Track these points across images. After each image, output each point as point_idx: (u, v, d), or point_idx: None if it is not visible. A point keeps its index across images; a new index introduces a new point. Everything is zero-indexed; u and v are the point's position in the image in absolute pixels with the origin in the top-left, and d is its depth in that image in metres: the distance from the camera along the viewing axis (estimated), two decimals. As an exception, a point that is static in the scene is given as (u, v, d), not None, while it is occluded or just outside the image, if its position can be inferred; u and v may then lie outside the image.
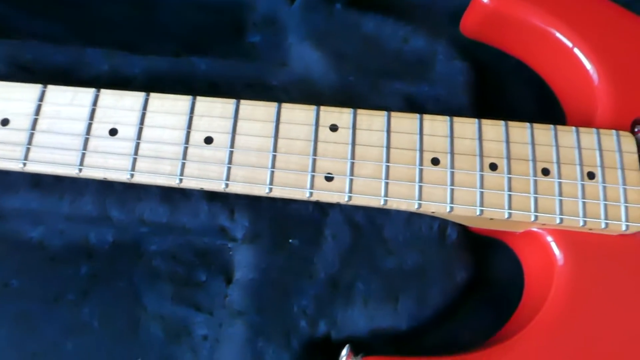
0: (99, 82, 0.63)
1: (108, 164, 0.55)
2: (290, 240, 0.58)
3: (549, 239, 0.57)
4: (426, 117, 0.57)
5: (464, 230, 0.60)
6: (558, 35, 0.63)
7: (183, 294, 0.61)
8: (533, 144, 0.57)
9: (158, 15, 0.73)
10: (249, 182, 0.54)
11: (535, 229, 0.58)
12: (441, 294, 0.57)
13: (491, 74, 0.72)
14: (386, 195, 0.54)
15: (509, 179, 0.56)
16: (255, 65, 0.66)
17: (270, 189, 0.54)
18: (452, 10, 0.74)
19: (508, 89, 0.72)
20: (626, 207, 0.55)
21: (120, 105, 0.57)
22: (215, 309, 0.60)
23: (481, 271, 0.64)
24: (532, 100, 0.72)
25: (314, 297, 0.56)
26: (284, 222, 0.58)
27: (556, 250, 0.56)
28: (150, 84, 0.63)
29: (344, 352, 0.54)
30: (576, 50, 0.63)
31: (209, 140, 0.56)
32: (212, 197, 0.59)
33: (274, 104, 0.57)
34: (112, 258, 0.62)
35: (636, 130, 0.60)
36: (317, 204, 0.59)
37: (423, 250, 0.58)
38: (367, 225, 0.59)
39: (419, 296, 0.57)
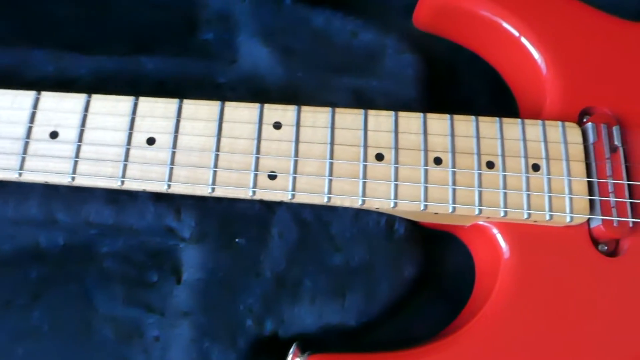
0: (44, 83, 0.63)
1: (49, 167, 0.54)
2: (236, 240, 0.57)
3: (495, 231, 0.57)
4: (371, 112, 0.57)
5: (412, 225, 0.60)
6: (505, 25, 0.63)
7: (135, 295, 0.61)
8: (478, 137, 0.57)
9: (109, 15, 0.72)
10: (192, 182, 0.54)
11: (482, 222, 0.58)
12: (389, 289, 0.57)
13: (445, 67, 0.72)
14: (330, 192, 0.54)
15: (454, 173, 0.55)
16: (203, 63, 0.66)
17: (213, 189, 0.54)
18: (407, 3, 0.74)
19: (463, 82, 0.72)
20: (571, 199, 0.55)
21: (61, 107, 0.56)
22: (167, 310, 0.60)
23: (435, 264, 0.64)
24: (487, 93, 0.72)
25: (261, 295, 0.56)
26: (230, 221, 0.58)
27: (502, 243, 0.56)
28: (97, 84, 0.63)
29: (291, 350, 0.54)
30: (523, 40, 0.63)
31: (151, 141, 0.55)
32: (158, 197, 0.59)
33: (217, 103, 0.57)
34: (63, 261, 0.62)
35: (584, 120, 0.60)
36: (264, 202, 0.59)
37: (370, 246, 0.58)
38: (315, 222, 0.58)
39: (366, 292, 0.57)
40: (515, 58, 0.65)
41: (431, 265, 0.63)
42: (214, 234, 0.58)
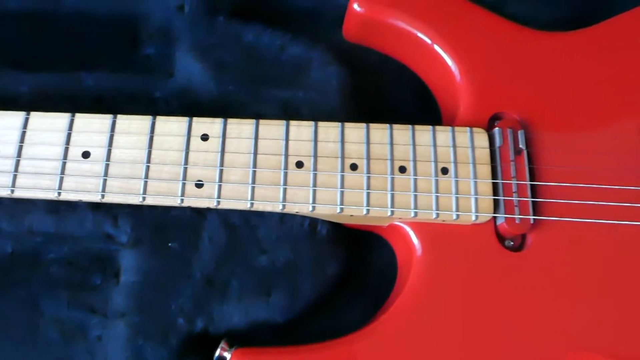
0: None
1: (-12, 181, 0.58)
2: (169, 244, 0.62)
3: (409, 230, 0.61)
4: (292, 123, 0.62)
5: (334, 226, 0.64)
6: (420, 35, 0.68)
7: (79, 298, 0.65)
8: (392, 144, 0.62)
9: (53, 32, 0.75)
10: (124, 192, 0.58)
11: (397, 223, 0.62)
12: (312, 287, 0.62)
13: (373, 77, 0.76)
14: (252, 198, 0.59)
15: (368, 178, 0.60)
16: (141, 78, 0.70)
17: (144, 198, 0.58)
18: (339, 16, 0.78)
19: (390, 91, 0.76)
20: (476, 199, 0.60)
21: (1, 124, 0.60)
22: (108, 311, 0.64)
23: (362, 263, 0.69)
24: (413, 101, 0.76)
25: (192, 295, 0.60)
26: (164, 227, 0.62)
27: (415, 241, 0.61)
28: (38, 101, 0.66)
29: (220, 345, 0.58)
30: (437, 48, 0.67)
31: (86, 155, 0.59)
32: (96, 206, 0.63)
33: (149, 118, 0.61)
34: (10, 268, 0.66)
35: (495, 125, 0.65)
36: (195, 209, 0.63)
37: (295, 247, 0.62)
38: (243, 226, 0.63)
39: (290, 290, 0.61)
40: (434, 67, 0.70)
41: (358, 264, 0.68)
42: (148, 239, 0.62)
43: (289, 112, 0.67)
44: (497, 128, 0.64)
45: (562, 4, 0.78)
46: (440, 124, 0.67)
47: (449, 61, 0.67)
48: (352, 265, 0.66)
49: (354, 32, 0.74)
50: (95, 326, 0.64)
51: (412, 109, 0.77)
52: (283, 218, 0.63)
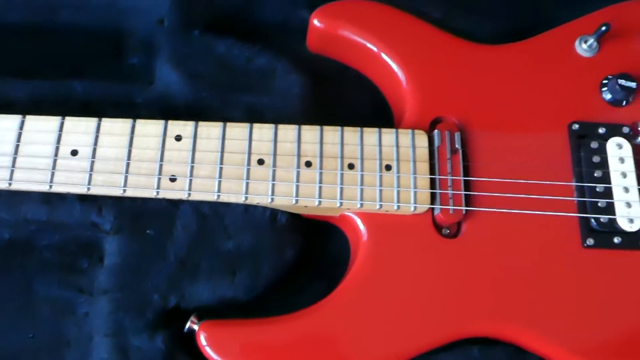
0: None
1: (-12, 175, 0.67)
2: (147, 231, 0.70)
3: (357, 219, 0.70)
4: (255, 125, 0.70)
5: (293, 216, 0.73)
6: (370, 46, 0.77)
7: (68, 279, 0.74)
8: (342, 144, 0.70)
9: (48, 43, 0.84)
10: (107, 185, 0.67)
11: (347, 213, 0.71)
12: (272, 269, 0.71)
13: (334, 84, 0.85)
14: (219, 191, 0.67)
15: (321, 174, 0.69)
16: (124, 86, 0.79)
17: (124, 191, 0.67)
18: (304, 30, 0.86)
19: (349, 97, 0.85)
20: (415, 192, 0.69)
21: (0, 126, 0.69)
22: (94, 290, 0.72)
23: (320, 249, 0.77)
24: (369, 106, 0.84)
25: (166, 276, 0.69)
26: (142, 216, 0.71)
27: (362, 229, 0.70)
28: (33, 105, 0.75)
29: (190, 318, 0.67)
30: (385, 58, 0.76)
31: (74, 153, 0.68)
32: (83, 198, 0.72)
33: (130, 120, 0.69)
34: (7, 253, 0.74)
35: (435, 127, 0.74)
36: (170, 200, 0.72)
37: (257, 233, 0.71)
38: (212, 215, 0.71)
39: (252, 271, 0.70)
40: (385, 75, 0.79)
41: (316, 249, 0.76)
42: (129, 227, 0.71)
43: (254, 116, 0.76)
44: (436, 130, 0.72)
45: (503, 19, 0.86)
46: (393, 127, 0.76)
47: (396, 70, 0.76)
48: (310, 251, 0.75)
49: (315, 44, 0.83)
50: (82, 304, 0.72)
51: (369, 114, 0.85)
52: (247, 208, 0.72)
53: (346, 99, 0.85)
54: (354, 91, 0.85)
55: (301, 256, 0.73)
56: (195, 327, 0.66)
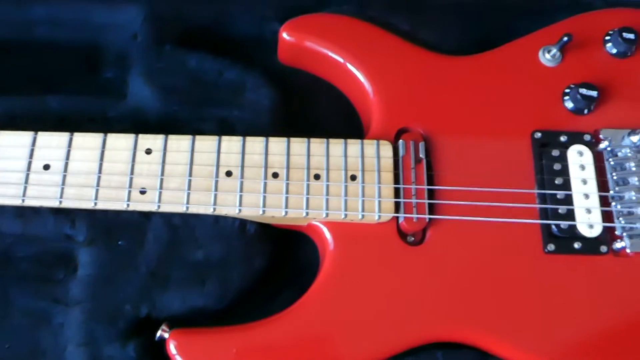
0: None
1: (-37, 190, 0.69)
2: (119, 242, 0.72)
3: (324, 229, 0.72)
4: (224, 138, 0.72)
5: (262, 226, 0.75)
6: (337, 58, 0.79)
7: (45, 290, 0.75)
8: (309, 155, 0.72)
9: (23, 59, 0.86)
10: (79, 198, 0.69)
11: (314, 222, 0.73)
12: (241, 278, 0.72)
13: (305, 96, 0.87)
14: (188, 202, 0.69)
15: (287, 184, 0.71)
16: (98, 100, 0.80)
17: (96, 203, 0.69)
18: (276, 42, 0.88)
19: (319, 108, 0.87)
20: (379, 202, 0.71)
21: (-26, 142, 0.71)
22: (69, 301, 0.74)
23: (290, 257, 0.79)
24: (340, 116, 0.86)
25: (138, 286, 0.71)
26: (114, 228, 0.73)
27: (328, 237, 0.71)
28: (9, 121, 0.77)
29: (161, 327, 0.69)
30: (352, 69, 0.78)
31: (46, 167, 0.70)
32: (57, 211, 0.73)
33: (101, 135, 0.71)
34: (-15, 265, 0.76)
35: (400, 137, 0.75)
36: (142, 212, 0.73)
37: (227, 244, 0.73)
38: (182, 226, 0.73)
39: (222, 281, 0.72)
40: (353, 86, 0.81)
41: (286, 258, 0.78)
42: (101, 238, 0.73)
43: (225, 129, 0.78)
44: (401, 140, 0.74)
45: (468, 31, 0.88)
46: (364, 137, 0.78)
47: (363, 81, 0.78)
48: (280, 259, 0.77)
49: (286, 57, 0.85)
50: (58, 315, 0.74)
51: (341, 125, 0.87)
52: (218, 219, 0.74)
53: (318, 110, 0.87)
54: (325, 102, 0.87)
55: (271, 264, 0.75)
56: (166, 335, 0.68)
